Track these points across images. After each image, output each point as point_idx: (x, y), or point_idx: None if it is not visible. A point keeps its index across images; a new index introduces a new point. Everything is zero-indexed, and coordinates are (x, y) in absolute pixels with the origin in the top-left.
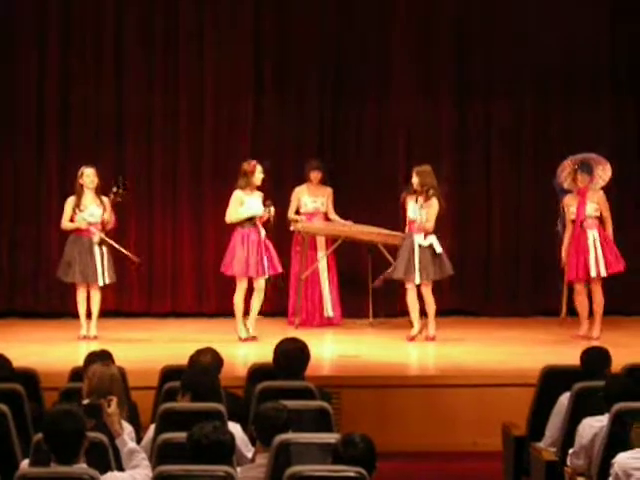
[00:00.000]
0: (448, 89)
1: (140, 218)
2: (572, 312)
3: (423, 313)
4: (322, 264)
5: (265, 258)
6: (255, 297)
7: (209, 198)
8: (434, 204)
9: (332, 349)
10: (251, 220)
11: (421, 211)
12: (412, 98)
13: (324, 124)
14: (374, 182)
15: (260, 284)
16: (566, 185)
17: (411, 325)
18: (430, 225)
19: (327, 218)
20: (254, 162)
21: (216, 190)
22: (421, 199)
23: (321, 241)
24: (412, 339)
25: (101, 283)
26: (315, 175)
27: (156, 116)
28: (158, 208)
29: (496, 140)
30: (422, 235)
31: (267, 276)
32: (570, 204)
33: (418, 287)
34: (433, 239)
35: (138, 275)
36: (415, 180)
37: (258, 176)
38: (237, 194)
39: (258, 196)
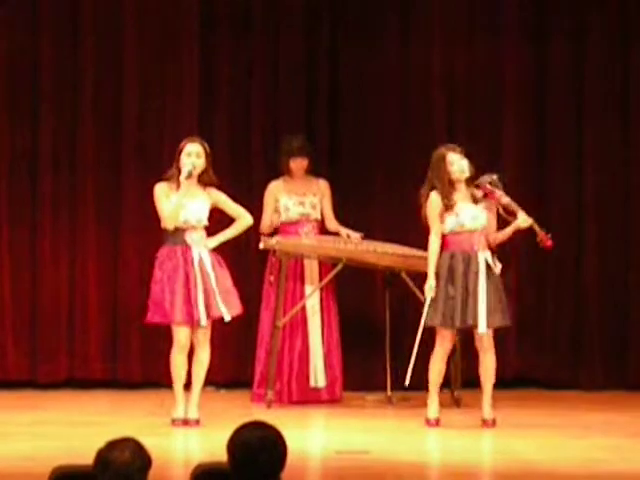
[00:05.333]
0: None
1: (17, 233)
2: None
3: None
4: (311, 303)
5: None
6: (197, 359)
7: (129, 203)
8: (492, 206)
9: (325, 441)
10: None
11: (487, 214)
12: (457, 35)
13: (316, 77)
14: (395, 171)
15: (201, 337)
16: None
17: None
18: (498, 238)
19: (322, 228)
20: (185, 140)
21: (140, 191)
22: (478, 194)
23: (311, 266)
24: (437, 423)
25: None
26: (298, 163)
27: (43, 68)
28: (46, 216)
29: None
30: (489, 253)
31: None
32: None
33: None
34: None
35: (15, 323)
36: (463, 163)
37: (185, 160)
38: (157, 188)
39: (197, 197)
